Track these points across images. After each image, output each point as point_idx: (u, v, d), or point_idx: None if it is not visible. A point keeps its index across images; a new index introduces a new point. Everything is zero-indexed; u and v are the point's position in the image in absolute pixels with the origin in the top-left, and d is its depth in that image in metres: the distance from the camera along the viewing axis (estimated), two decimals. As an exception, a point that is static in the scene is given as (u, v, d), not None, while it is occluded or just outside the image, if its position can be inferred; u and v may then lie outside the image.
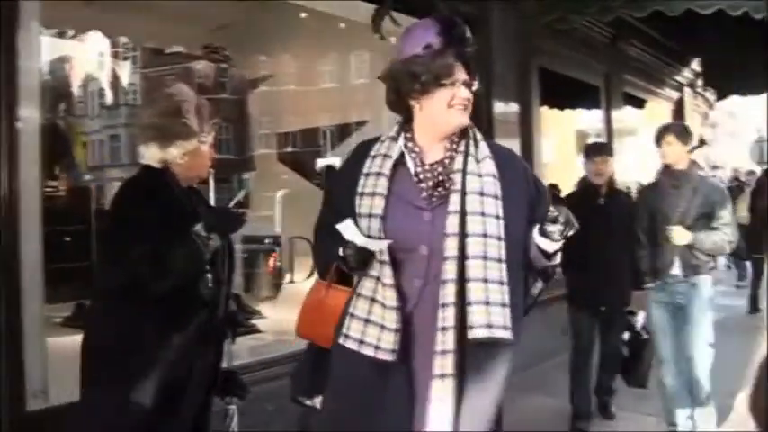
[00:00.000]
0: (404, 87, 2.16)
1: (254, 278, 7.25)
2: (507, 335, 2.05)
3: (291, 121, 11.67)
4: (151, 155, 2.58)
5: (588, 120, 12.51)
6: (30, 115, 3.25)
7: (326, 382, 2.24)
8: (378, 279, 2.11)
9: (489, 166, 2.16)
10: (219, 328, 2.68)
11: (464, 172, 2.12)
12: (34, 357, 3.21)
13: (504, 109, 6.28)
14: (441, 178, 2.13)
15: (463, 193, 2.09)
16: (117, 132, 20.52)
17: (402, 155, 2.18)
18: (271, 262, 7.35)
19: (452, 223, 2.07)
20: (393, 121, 2.30)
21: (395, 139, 2.21)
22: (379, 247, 2.07)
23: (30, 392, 3.16)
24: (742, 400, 1.27)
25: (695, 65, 10.76)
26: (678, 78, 10.74)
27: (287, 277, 7.10)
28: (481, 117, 5.96)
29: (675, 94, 10.85)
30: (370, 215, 2.12)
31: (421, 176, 2.15)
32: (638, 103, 9.84)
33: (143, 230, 2.40)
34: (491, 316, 2.03)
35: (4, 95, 3.09)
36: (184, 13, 6.24)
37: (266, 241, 7.23)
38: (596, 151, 4.95)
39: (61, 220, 3.72)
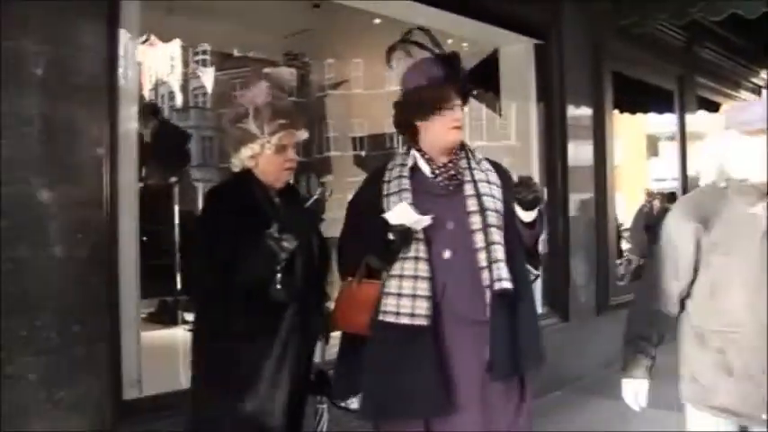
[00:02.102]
0: (411, 112, 2.66)
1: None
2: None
3: (360, 124, 11.80)
4: (233, 160, 2.73)
5: (658, 123, 12.32)
6: (128, 119, 3.45)
7: (360, 381, 2.58)
8: (404, 259, 2.52)
9: (486, 165, 2.73)
10: (309, 328, 2.72)
11: (470, 168, 2.67)
12: (130, 350, 3.40)
13: (577, 113, 6.28)
14: (452, 172, 2.65)
15: (474, 181, 2.62)
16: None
17: (415, 163, 2.68)
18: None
19: (472, 203, 2.58)
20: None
21: (406, 154, 2.72)
22: (425, 222, 2.51)
23: (126, 382, 3.35)
24: None
25: (773, 66, 10.51)
26: (755, 80, 10.50)
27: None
28: (555, 121, 5.99)
29: (752, 98, 10.60)
30: None
31: (436, 173, 2.66)
32: (712, 108, 9.65)
33: (219, 235, 2.50)
34: (508, 273, 2.51)
35: (105, 101, 3.26)
36: (261, 19, 6.41)
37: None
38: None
39: (146, 220, 3.88)
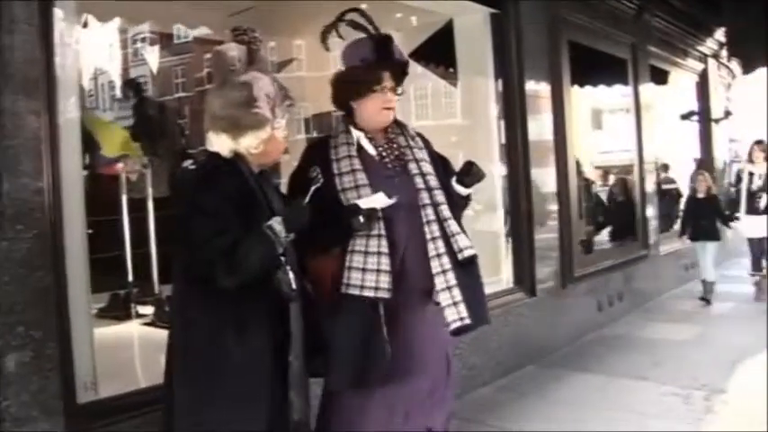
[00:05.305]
0: (346, 92, 2.85)
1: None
2: None
3: (305, 107, 11.55)
4: (221, 144, 2.49)
5: (603, 96, 12.41)
6: (69, 107, 3.22)
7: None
8: (368, 236, 2.68)
9: (419, 141, 2.95)
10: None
11: (409, 146, 2.89)
12: (82, 350, 3.18)
13: (535, 84, 6.18)
14: (397, 153, 2.86)
15: (416, 160, 2.85)
16: (128, 124, 20.38)
17: (358, 141, 2.83)
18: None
19: (419, 181, 2.82)
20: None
21: (346, 131, 2.85)
22: (391, 202, 2.69)
23: (80, 385, 3.11)
24: None
25: (719, 35, 10.59)
26: (701, 49, 10.59)
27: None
28: (513, 94, 5.87)
29: (699, 66, 10.69)
30: (357, 186, 2.74)
31: (383, 154, 2.86)
32: (661, 79, 9.64)
33: (219, 221, 2.33)
34: (468, 241, 2.84)
35: (42, 89, 2.99)
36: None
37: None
38: None
39: (92, 210, 3.63)
